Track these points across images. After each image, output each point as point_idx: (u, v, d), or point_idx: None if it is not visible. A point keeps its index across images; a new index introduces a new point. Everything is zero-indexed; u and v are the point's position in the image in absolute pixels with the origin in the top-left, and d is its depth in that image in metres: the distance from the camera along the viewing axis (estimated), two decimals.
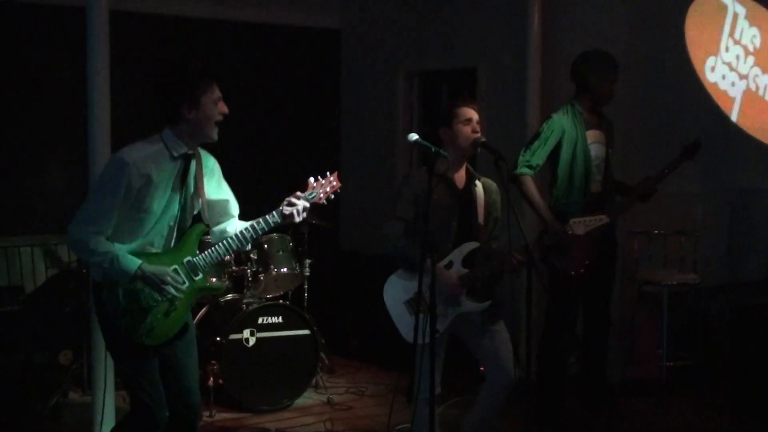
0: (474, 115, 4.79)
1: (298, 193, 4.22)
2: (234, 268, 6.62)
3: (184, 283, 4.09)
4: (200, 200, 4.17)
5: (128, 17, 7.56)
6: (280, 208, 4.17)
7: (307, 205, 4.20)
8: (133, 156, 3.94)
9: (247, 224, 4.18)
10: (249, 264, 6.64)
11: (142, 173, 3.93)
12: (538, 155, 5.79)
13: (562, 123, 5.81)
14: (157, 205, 4.00)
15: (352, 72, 9.25)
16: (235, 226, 4.27)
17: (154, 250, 4.10)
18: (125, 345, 4.08)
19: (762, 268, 6.98)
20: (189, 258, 4.13)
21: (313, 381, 6.66)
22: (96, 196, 4.00)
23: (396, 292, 4.77)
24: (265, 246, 6.65)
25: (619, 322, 6.54)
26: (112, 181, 3.93)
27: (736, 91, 6.72)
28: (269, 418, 6.24)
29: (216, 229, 4.30)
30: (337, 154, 9.36)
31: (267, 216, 4.16)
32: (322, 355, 6.91)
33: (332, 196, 4.33)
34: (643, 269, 6.85)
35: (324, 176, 4.32)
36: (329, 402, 6.55)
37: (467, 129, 4.76)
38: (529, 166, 5.78)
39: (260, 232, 4.17)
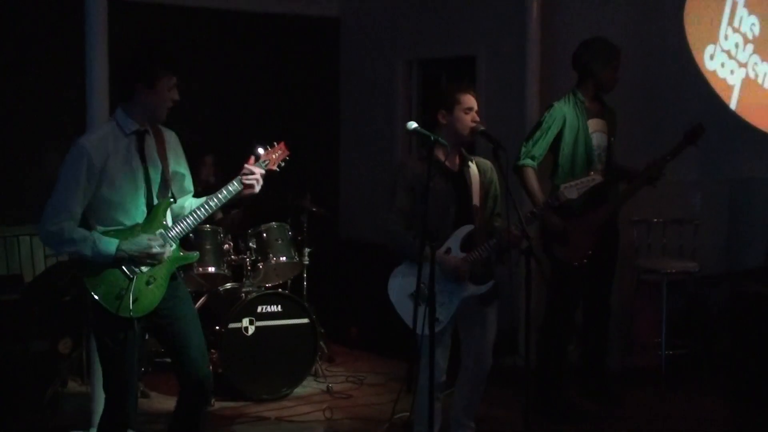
0: (475, 104, 4.79)
1: (251, 160, 4.37)
2: (233, 257, 6.63)
3: (165, 245, 4.18)
4: (169, 175, 4.29)
5: (126, 6, 7.53)
6: (239, 176, 4.31)
7: (263, 172, 4.36)
8: (88, 139, 4.13)
9: (207, 197, 4.31)
10: (248, 253, 6.64)
11: (99, 153, 4.07)
12: (540, 145, 5.78)
13: (563, 112, 5.80)
14: (121, 181, 4.12)
15: (351, 60, 9.24)
16: (191, 201, 4.42)
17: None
18: (112, 320, 4.13)
19: (761, 256, 6.98)
20: (161, 230, 4.23)
21: (313, 370, 6.66)
22: (61, 185, 4.13)
23: (401, 285, 4.75)
24: (264, 235, 6.65)
25: (618, 310, 6.54)
26: (73, 167, 4.08)
27: (735, 79, 6.70)
28: (269, 407, 6.24)
29: (175, 205, 4.40)
30: (337, 142, 9.36)
31: (228, 185, 4.30)
32: (322, 343, 6.91)
33: (282, 164, 4.51)
34: (643, 258, 6.85)
35: (272, 145, 4.50)
36: (328, 390, 6.56)
37: (467, 117, 4.75)
38: (531, 157, 5.77)
39: (224, 201, 4.30)
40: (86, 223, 4.15)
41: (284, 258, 6.68)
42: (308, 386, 6.63)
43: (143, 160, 4.20)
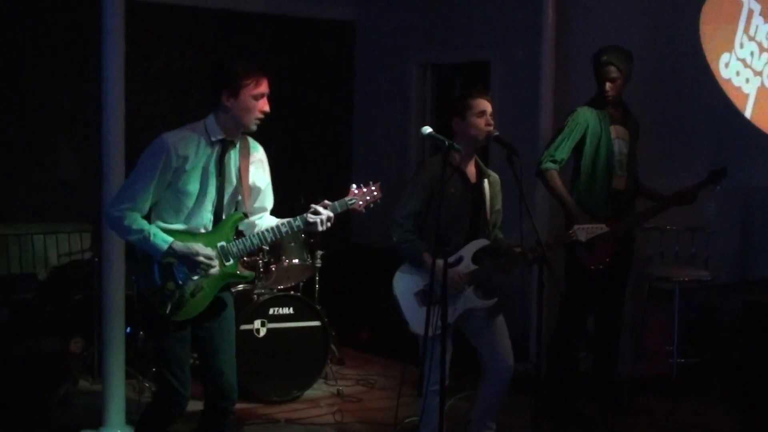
0: (488, 107, 4.78)
1: (326, 202, 4.30)
2: (245, 258, 6.63)
3: (216, 261, 4.18)
4: (242, 188, 4.29)
5: (143, 7, 7.56)
6: (305, 215, 4.26)
7: (332, 215, 4.26)
8: (173, 138, 4.13)
9: (277, 221, 4.31)
10: (260, 255, 6.65)
11: (180, 154, 4.10)
12: (563, 149, 5.78)
13: (586, 116, 5.81)
14: (193, 186, 4.15)
15: (365, 64, 9.25)
16: (265, 220, 4.40)
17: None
18: (156, 321, 4.20)
19: None
20: (223, 243, 4.24)
21: (323, 372, 6.67)
22: (135, 175, 4.17)
23: (406, 283, 4.77)
24: None
25: (629, 318, 6.53)
26: (151, 160, 4.10)
27: (750, 88, 6.69)
28: (279, 409, 6.25)
29: (247, 220, 4.40)
30: (351, 145, 9.36)
31: (292, 220, 4.26)
32: (333, 346, 6.92)
33: (372, 206, 4.39)
34: (655, 265, 6.83)
35: (366, 184, 4.39)
36: (339, 393, 6.56)
37: (481, 121, 4.75)
38: (554, 161, 5.77)
39: (283, 234, 4.28)
40: (148, 215, 4.18)
41: (297, 260, 6.69)
42: (318, 389, 6.64)
43: (221, 170, 4.21)
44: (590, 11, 7.24)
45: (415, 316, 4.71)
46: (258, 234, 4.27)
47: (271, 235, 4.26)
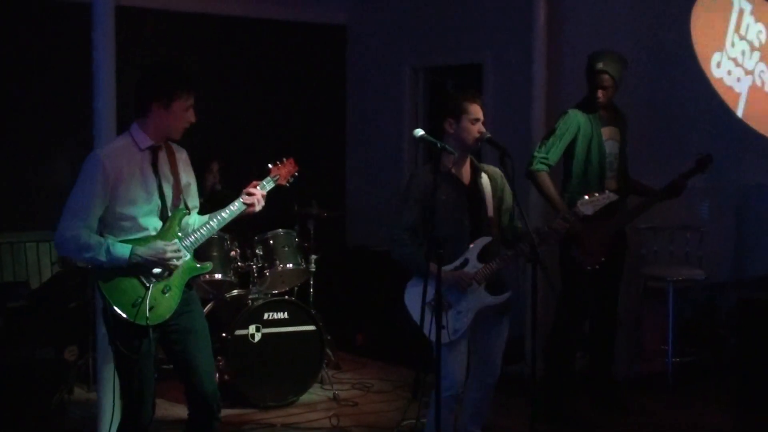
0: (482, 115, 4.77)
1: (255, 182, 4.46)
2: (239, 263, 6.63)
3: (180, 251, 4.24)
4: (181, 189, 4.36)
5: (134, 13, 7.56)
6: (241, 197, 4.40)
7: (263, 193, 4.45)
8: (104, 151, 4.24)
9: (211, 215, 4.41)
10: (254, 260, 6.64)
11: (114, 165, 4.14)
12: (554, 151, 5.78)
13: (577, 119, 5.80)
14: (135, 195, 4.18)
15: (358, 68, 9.25)
16: (195, 219, 4.49)
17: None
18: (128, 328, 4.16)
19: None
20: (175, 240, 4.28)
21: (319, 377, 6.66)
22: (77, 193, 4.18)
23: (417, 295, 4.71)
24: (271, 242, 6.65)
25: (625, 317, 6.53)
26: (89, 176, 4.15)
27: (741, 87, 6.70)
28: (275, 414, 6.24)
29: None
30: (344, 149, 9.36)
31: (231, 204, 4.39)
32: (328, 350, 6.90)
33: (292, 179, 4.66)
34: (649, 265, 6.84)
35: (281, 161, 4.65)
36: (335, 398, 6.55)
37: (474, 128, 4.73)
38: (545, 162, 5.77)
39: (228, 219, 4.39)
40: (99, 235, 4.19)
41: (291, 265, 6.67)
42: (315, 393, 6.63)
43: (157, 174, 4.26)
44: (581, 12, 7.25)
45: (429, 325, 4.65)
46: (206, 225, 4.36)
47: (215, 223, 4.37)
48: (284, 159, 4.66)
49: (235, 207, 4.38)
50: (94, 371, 5.94)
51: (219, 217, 4.37)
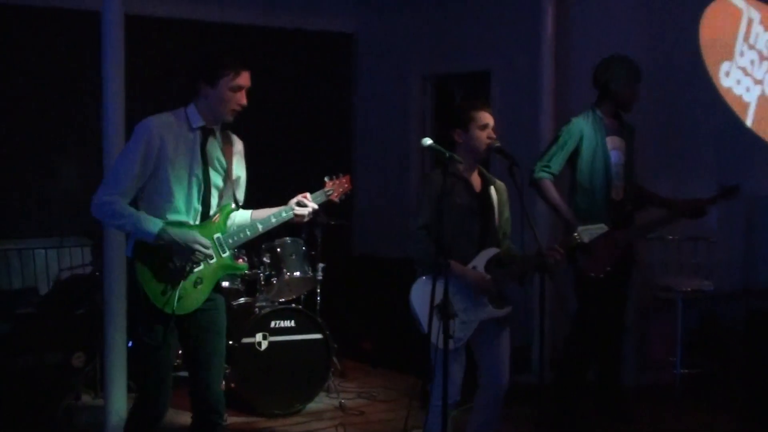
0: (491, 120, 4.75)
1: (308, 194, 4.44)
2: (246, 272, 6.62)
3: (211, 252, 4.21)
4: (228, 178, 4.34)
5: (142, 21, 7.58)
6: (291, 206, 4.38)
7: (316, 206, 4.43)
8: (154, 121, 4.21)
9: (266, 212, 4.38)
10: (261, 268, 6.64)
11: (161, 137, 4.14)
12: (556, 160, 5.76)
13: (581, 128, 5.78)
14: (178, 173, 4.17)
15: (365, 76, 9.26)
16: (240, 214, 4.44)
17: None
18: (153, 315, 4.17)
19: None
20: (218, 235, 4.27)
21: (325, 385, 6.65)
22: (119, 158, 4.24)
23: (425, 296, 4.70)
24: (278, 250, 6.65)
25: (633, 327, 6.51)
26: (134, 143, 4.16)
27: (750, 96, 6.69)
28: (281, 422, 6.24)
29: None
30: (351, 157, 9.36)
31: (280, 211, 4.36)
32: (334, 359, 6.90)
33: (344, 197, 4.61)
34: (658, 275, 6.82)
35: (338, 177, 4.61)
36: (341, 406, 6.54)
37: (483, 134, 4.71)
38: (548, 171, 5.75)
39: (275, 225, 4.37)
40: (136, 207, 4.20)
41: (298, 273, 6.67)
42: (321, 402, 6.62)
43: (204, 158, 4.25)
44: (589, 21, 7.25)
45: (434, 328, 4.63)
46: (250, 225, 4.33)
47: (262, 226, 4.33)
48: (341, 174, 4.63)
49: (284, 215, 4.36)
50: (102, 377, 5.95)
51: (266, 221, 4.33)
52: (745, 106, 6.71)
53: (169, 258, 4.15)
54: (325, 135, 9.12)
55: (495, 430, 5.02)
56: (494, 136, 4.74)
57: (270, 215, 4.35)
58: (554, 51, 7.17)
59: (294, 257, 6.68)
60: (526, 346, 6.82)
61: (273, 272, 6.64)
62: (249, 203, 4.53)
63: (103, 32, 5.43)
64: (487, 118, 4.73)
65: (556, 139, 5.84)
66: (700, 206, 5.83)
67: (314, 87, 9.02)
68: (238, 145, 4.45)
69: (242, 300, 6.68)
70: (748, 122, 6.71)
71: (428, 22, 8.54)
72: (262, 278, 6.65)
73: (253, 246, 6.73)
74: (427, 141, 4.50)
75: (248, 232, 4.31)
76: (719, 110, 6.75)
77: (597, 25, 7.21)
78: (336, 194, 4.56)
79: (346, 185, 4.61)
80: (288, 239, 6.69)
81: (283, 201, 4.54)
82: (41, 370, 6.36)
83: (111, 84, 5.41)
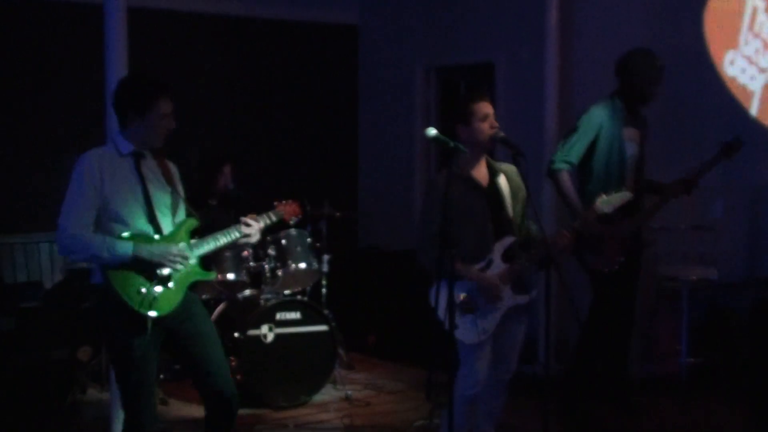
0: (490, 109, 4.74)
1: (253, 215, 4.57)
2: (252, 263, 6.63)
3: (187, 254, 4.29)
4: (179, 198, 4.43)
5: (146, 14, 7.57)
6: (240, 226, 4.50)
7: (263, 225, 4.57)
8: (91, 152, 4.32)
9: (212, 236, 4.48)
10: (267, 260, 6.64)
11: (99, 165, 4.24)
12: (576, 150, 5.72)
13: (600, 117, 5.75)
14: (122, 197, 4.23)
15: (369, 68, 9.25)
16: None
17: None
18: (130, 319, 4.16)
19: None
20: (183, 244, 4.34)
21: (332, 377, 6.66)
22: (70, 196, 4.27)
23: (444, 296, 4.67)
24: (283, 242, 6.65)
25: (638, 318, 6.50)
26: (79, 178, 4.24)
27: (755, 85, 6.67)
28: (287, 414, 6.24)
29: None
30: (355, 149, 9.36)
31: (231, 230, 4.48)
32: (341, 351, 6.91)
33: (296, 219, 4.87)
34: (663, 265, 6.81)
35: (288, 201, 4.84)
36: (347, 398, 6.55)
37: (485, 125, 4.70)
38: (567, 162, 5.72)
39: (225, 244, 4.49)
40: None
41: (303, 265, 6.67)
42: (327, 393, 6.63)
43: (142, 179, 4.31)
44: (594, 11, 7.23)
45: (459, 325, 4.63)
46: (213, 237, 4.43)
47: (224, 240, 4.45)
48: (289, 200, 4.84)
49: (234, 235, 4.47)
50: (107, 371, 5.95)
51: (218, 238, 4.44)
52: (750, 95, 6.70)
53: (146, 268, 4.19)
54: (330, 127, 9.11)
55: (499, 418, 5.03)
56: (496, 125, 4.72)
57: (219, 234, 4.45)
58: (558, 42, 7.15)
59: (299, 249, 6.68)
60: (532, 337, 6.80)
61: (278, 264, 6.63)
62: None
63: (107, 26, 5.42)
64: (486, 108, 4.72)
65: (575, 129, 5.78)
66: (688, 181, 5.79)
67: (318, 79, 9.02)
68: (173, 169, 4.53)
69: (248, 292, 6.68)
70: (753, 111, 6.70)
71: (432, 14, 8.53)
72: (267, 270, 6.65)
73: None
74: (432, 131, 4.48)
75: (210, 243, 4.42)
76: (724, 99, 6.73)
77: (601, 16, 7.19)
78: (287, 216, 4.79)
79: (297, 210, 4.84)
80: (293, 231, 6.68)
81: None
82: (47, 364, 6.38)
83: (114, 78, 5.38)
